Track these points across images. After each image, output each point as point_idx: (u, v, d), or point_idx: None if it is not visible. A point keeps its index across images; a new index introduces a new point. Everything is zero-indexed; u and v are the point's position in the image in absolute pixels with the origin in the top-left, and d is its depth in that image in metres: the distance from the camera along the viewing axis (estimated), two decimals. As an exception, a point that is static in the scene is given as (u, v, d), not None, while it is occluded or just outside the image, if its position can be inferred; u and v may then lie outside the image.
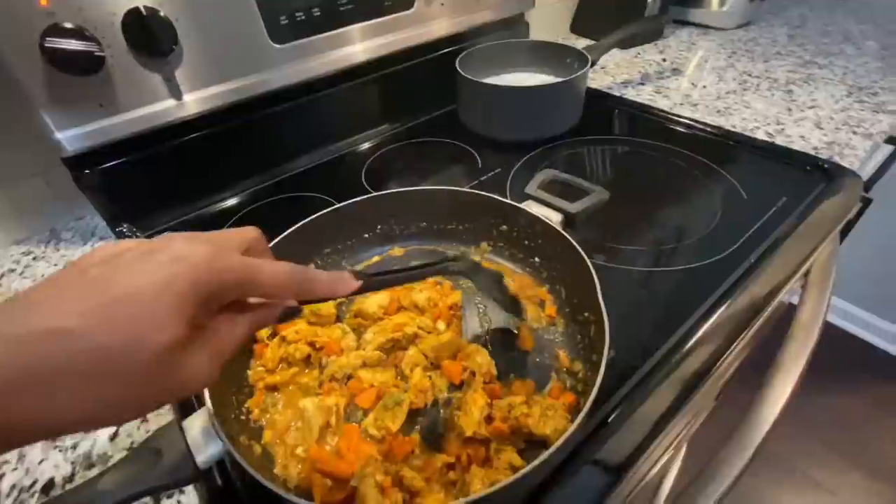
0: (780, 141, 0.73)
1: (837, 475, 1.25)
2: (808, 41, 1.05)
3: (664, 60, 1.01)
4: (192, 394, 0.22)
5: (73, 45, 0.50)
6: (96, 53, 0.51)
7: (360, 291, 0.29)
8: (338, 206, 0.52)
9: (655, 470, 0.49)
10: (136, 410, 0.20)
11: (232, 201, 0.69)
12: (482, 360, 0.41)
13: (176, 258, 0.21)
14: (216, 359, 0.22)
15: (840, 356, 1.51)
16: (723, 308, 0.48)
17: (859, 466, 1.26)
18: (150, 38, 0.53)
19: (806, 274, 0.62)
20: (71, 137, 0.55)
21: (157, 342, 0.19)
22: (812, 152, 0.69)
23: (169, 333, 0.20)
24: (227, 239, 0.24)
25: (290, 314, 0.27)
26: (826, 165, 0.65)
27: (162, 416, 0.43)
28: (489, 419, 0.36)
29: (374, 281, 0.31)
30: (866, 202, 0.73)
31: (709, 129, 0.76)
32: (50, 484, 0.39)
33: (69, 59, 0.50)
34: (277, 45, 0.64)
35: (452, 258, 0.38)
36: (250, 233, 0.26)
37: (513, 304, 0.45)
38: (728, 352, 0.47)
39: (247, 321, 0.24)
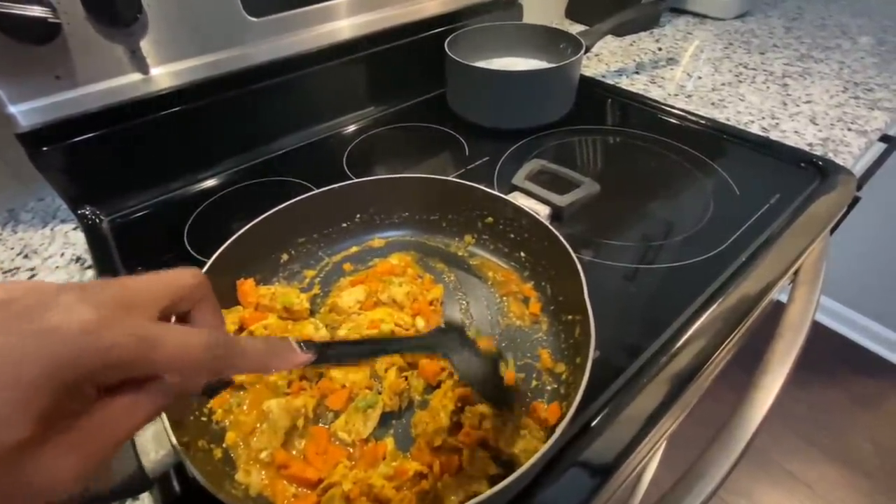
0: (774, 136, 0.71)
1: (814, 468, 1.27)
2: (804, 34, 1.04)
3: (659, 49, 0.99)
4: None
5: (25, 9, 0.45)
6: (51, 20, 0.47)
7: (313, 365, 0.23)
8: (315, 192, 0.49)
9: (638, 468, 0.48)
10: None
11: (204, 185, 0.65)
12: None
13: (40, 331, 0.16)
14: (90, 458, 0.17)
15: (818, 351, 1.53)
16: (713, 307, 0.47)
17: (836, 460, 1.28)
18: (110, 4, 0.49)
19: (796, 272, 0.61)
20: (25, 112, 0.51)
21: None
22: (806, 148, 0.68)
23: (7, 435, 0.15)
24: (143, 289, 0.19)
25: (217, 387, 0.22)
26: (820, 162, 0.64)
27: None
28: (459, 426, 0.34)
29: (328, 355, 0.25)
30: (854, 200, 0.72)
31: (703, 122, 0.74)
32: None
33: (21, 25, 0.46)
34: (254, 19, 0.60)
35: (437, 332, 0.32)
36: (183, 279, 0.21)
37: (506, 398, 0.36)
38: (718, 352, 0.46)
39: (151, 402, 0.19)
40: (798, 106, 0.78)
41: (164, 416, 0.29)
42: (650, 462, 0.72)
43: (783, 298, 0.64)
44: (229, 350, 0.20)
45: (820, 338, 1.59)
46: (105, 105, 0.55)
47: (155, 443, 0.29)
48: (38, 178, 0.56)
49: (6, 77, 0.49)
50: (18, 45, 0.47)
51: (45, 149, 0.54)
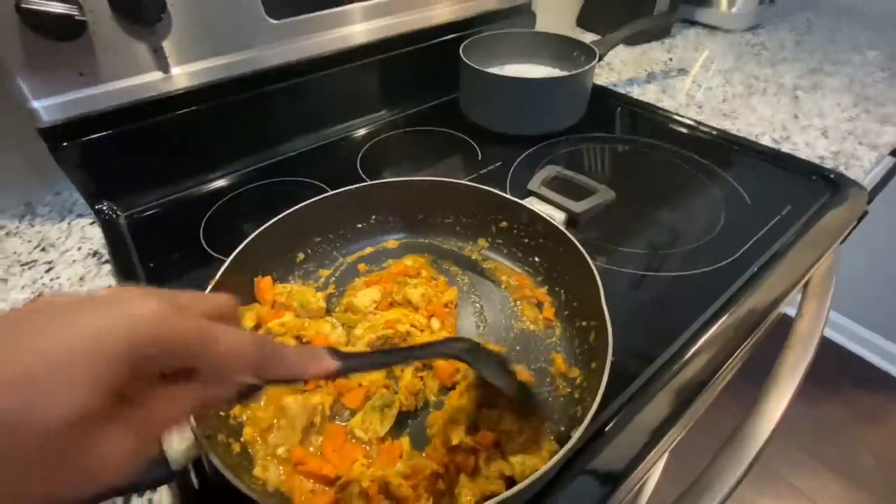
0: (785, 148, 0.71)
1: (818, 483, 1.27)
2: (815, 47, 1.04)
3: (671, 59, 0.99)
4: (101, 488, 0.17)
5: (52, 7, 0.46)
6: (77, 17, 0.47)
7: (337, 375, 0.25)
8: (331, 193, 0.50)
9: (644, 478, 0.48)
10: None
11: (219, 183, 0.66)
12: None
13: (121, 314, 0.17)
14: (141, 442, 0.18)
15: (823, 364, 1.52)
16: (725, 317, 0.47)
17: (840, 474, 1.28)
18: (135, 3, 0.49)
19: (805, 285, 0.61)
20: (48, 107, 0.52)
21: (53, 414, 0.15)
22: (817, 161, 0.68)
23: (76, 404, 0.15)
24: (191, 300, 0.21)
25: (249, 393, 0.23)
26: (831, 175, 0.64)
27: (136, 408, 0.40)
28: (475, 427, 0.34)
29: (354, 363, 0.26)
30: (862, 214, 0.72)
31: (714, 133, 0.75)
32: (12, 476, 0.36)
33: (48, 22, 0.47)
34: (274, 21, 0.61)
35: (452, 339, 0.34)
36: (221, 300, 0.22)
37: (522, 393, 0.34)
38: (729, 361, 0.46)
39: (191, 398, 0.20)
40: (809, 119, 0.79)
41: (187, 409, 0.29)
42: (653, 472, 0.72)
43: (791, 312, 0.64)
44: (273, 350, 0.22)
45: (824, 351, 1.58)
46: (126, 102, 0.56)
47: (179, 435, 0.29)
48: (54, 172, 0.57)
49: (31, 72, 0.49)
50: (44, 42, 0.48)
51: (65, 144, 0.55)
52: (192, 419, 0.29)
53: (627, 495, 0.44)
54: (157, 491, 0.35)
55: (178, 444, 0.29)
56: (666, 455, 0.68)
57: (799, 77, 0.92)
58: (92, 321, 0.16)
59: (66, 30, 0.48)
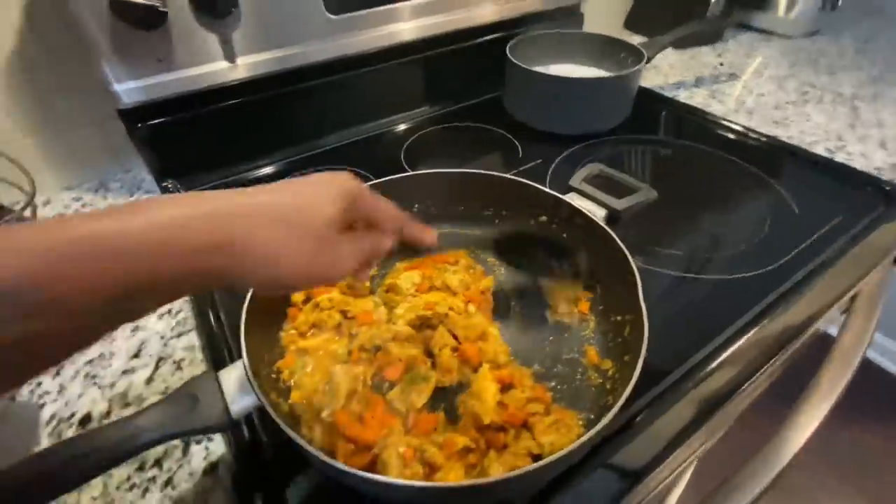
0: (840, 158, 0.69)
1: (852, 511, 1.21)
2: (878, 55, 0.99)
3: (721, 64, 0.97)
4: (337, 279, 0.30)
5: (138, -2, 0.51)
6: (160, 9, 0.52)
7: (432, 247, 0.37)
8: (375, 181, 0.52)
9: (666, 483, 0.48)
10: (304, 270, 0.26)
11: (270, 169, 0.70)
12: (493, 346, 0.40)
13: (334, 177, 0.30)
14: (359, 254, 0.30)
15: (865, 388, 1.44)
16: (760, 326, 0.46)
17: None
18: (212, -4, 0.53)
19: (852, 300, 0.59)
20: (128, 90, 0.56)
21: (325, 211, 0.27)
22: (874, 172, 0.66)
23: (332, 211, 0.27)
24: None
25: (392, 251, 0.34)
26: (888, 188, 0.62)
27: (196, 367, 0.44)
28: (504, 407, 0.36)
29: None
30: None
31: (764, 139, 0.73)
32: (87, 418, 0.41)
33: (134, 12, 0.51)
34: (332, 16, 0.64)
35: None
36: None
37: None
38: (760, 372, 0.45)
39: (376, 241, 0.32)
40: (867, 129, 0.76)
41: (247, 364, 0.32)
42: (679, 481, 0.71)
43: (833, 332, 0.62)
44: (409, 220, 0.34)
45: (868, 374, 1.50)
46: (195, 89, 0.60)
47: (239, 389, 0.32)
48: (126, 151, 0.62)
49: (116, 58, 0.54)
50: (129, 31, 0.52)
51: (139, 125, 0.60)
52: (251, 377, 0.32)
53: (648, 497, 0.44)
54: (213, 439, 0.38)
55: (238, 397, 0.32)
56: (691, 468, 0.68)
57: (858, 86, 0.88)
58: (324, 181, 0.29)
59: (149, 20, 0.53)
